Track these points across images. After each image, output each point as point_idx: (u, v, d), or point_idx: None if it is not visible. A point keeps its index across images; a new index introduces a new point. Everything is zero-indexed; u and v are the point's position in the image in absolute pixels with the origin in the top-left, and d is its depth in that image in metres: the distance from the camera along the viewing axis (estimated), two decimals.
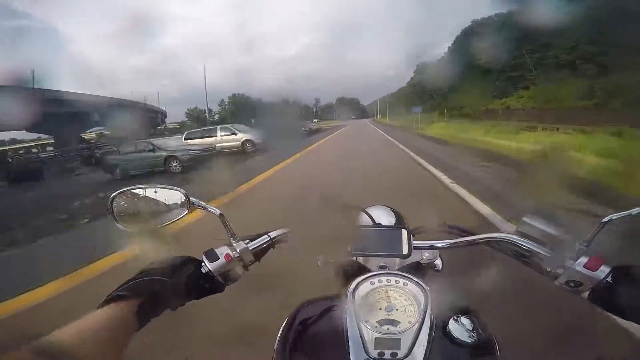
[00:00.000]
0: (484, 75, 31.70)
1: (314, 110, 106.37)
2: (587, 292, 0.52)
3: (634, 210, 0.51)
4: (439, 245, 0.66)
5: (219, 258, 0.58)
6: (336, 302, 0.59)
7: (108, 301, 0.47)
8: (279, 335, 0.65)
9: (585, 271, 0.51)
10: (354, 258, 0.67)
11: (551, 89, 24.80)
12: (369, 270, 0.63)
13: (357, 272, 0.66)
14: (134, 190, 0.62)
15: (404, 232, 0.62)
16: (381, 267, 0.64)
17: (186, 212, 0.60)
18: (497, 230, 0.65)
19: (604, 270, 0.50)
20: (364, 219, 0.75)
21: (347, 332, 0.49)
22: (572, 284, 0.52)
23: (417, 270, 0.69)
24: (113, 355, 0.44)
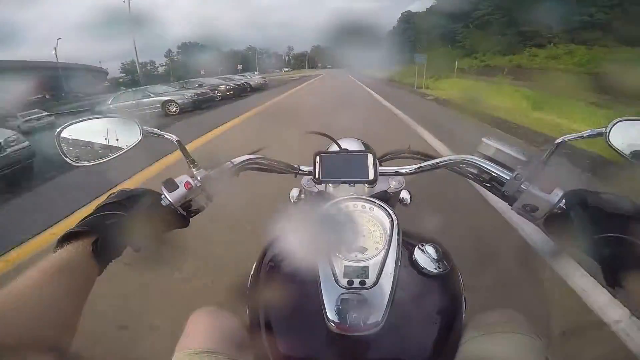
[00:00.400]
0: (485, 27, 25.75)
1: (286, 58, 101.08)
2: (542, 219, 0.52)
3: (585, 132, 0.53)
4: (404, 170, 0.66)
5: (178, 187, 0.55)
6: None
7: (62, 241, 0.44)
8: (252, 270, 0.66)
9: (540, 194, 0.51)
10: (323, 187, 0.67)
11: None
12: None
13: (327, 200, 0.66)
14: (83, 123, 0.58)
15: (370, 157, 0.61)
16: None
17: (139, 139, 0.56)
18: None
19: (557, 194, 0.51)
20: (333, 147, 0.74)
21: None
22: (529, 208, 0.53)
23: (385, 200, 0.70)
24: (76, 302, 0.41)
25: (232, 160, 0.61)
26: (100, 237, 0.45)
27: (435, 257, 0.56)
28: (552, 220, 0.51)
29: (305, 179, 0.76)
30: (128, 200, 0.51)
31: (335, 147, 0.74)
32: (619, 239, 0.43)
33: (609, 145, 0.53)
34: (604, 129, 0.53)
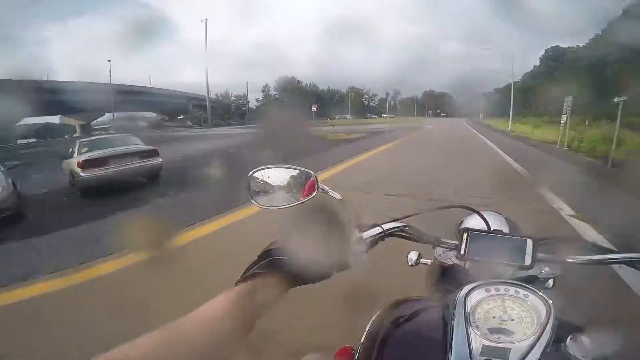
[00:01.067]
0: None
1: (391, 102, 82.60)
2: None
3: None
4: (570, 260, 0.60)
5: None
6: (433, 304, 0.59)
7: (245, 279, 0.50)
8: (366, 330, 0.67)
9: None
10: (462, 262, 0.64)
11: None
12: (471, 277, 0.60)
13: (459, 276, 0.64)
14: (272, 169, 0.67)
15: (529, 242, 0.58)
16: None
17: (314, 193, 0.64)
18: None
19: None
20: (474, 223, 0.72)
21: (451, 335, 0.48)
22: None
23: (532, 284, 0.65)
24: (241, 333, 0.46)
25: (382, 225, 0.64)
26: (276, 279, 0.51)
27: (589, 347, 0.49)
28: None
29: (440, 250, 0.73)
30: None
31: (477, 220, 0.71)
32: None
33: None
34: None
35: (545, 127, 19.38)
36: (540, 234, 0.66)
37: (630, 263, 0.56)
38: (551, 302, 0.50)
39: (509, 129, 24.94)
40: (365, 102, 79.63)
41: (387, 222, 0.66)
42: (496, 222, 0.75)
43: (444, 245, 0.68)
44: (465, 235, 0.61)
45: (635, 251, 0.55)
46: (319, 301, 2.12)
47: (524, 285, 0.53)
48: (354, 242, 0.59)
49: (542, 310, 0.49)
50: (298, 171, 0.68)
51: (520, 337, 0.46)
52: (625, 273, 2.25)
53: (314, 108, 35.79)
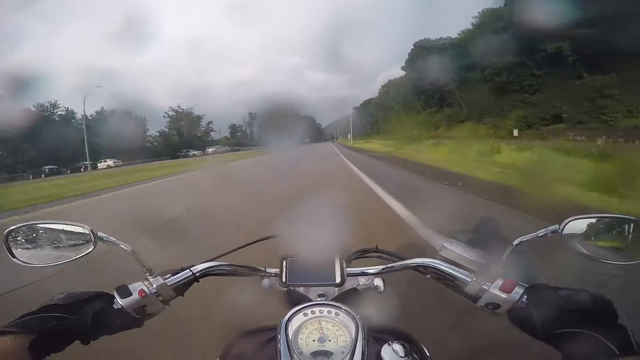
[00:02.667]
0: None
1: (246, 130, 65.40)
2: (506, 313, 0.54)
3: (540, 232, 0.56)
4: (371, 271, 0.67)
5: (131, 294, 0.55)
6: (273, 333, 0.57)
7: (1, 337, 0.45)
8: None
9: (501, 294, 0.54)
10: (292, 288, 0.67)
11: None
12: (309, 299, 0.63)
13: (296, 300, 0.66)
14: (35, 226, 0.58)
15: (337, 261, 0.63)
16: (320, 296, 0.64)
17: (92, 248, 0.56)
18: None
19: (517, 292, 0.53)
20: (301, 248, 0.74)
21: None
22: (491, 306, 0.55)
23: (357, 296, 0.69)
24: None
25: (192, 268, 0.61)
26: (36, 337, 0.46)
27: (403, 354, 0.53)
28: (516, 314, 0.53)
29: (267, 280, 0.75)
30: (75, 302, 0.51)
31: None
32: (579, 333, 0.45)
33: (564, 243, 0.56)
34: (557, 226, 0.56)
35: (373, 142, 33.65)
36: (350, 251, 0.72)
37: (414, 268, 0.65)
38: (358, 316, 0.53)
39: (351, 143, 41.61)
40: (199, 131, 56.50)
41: (200, 263, 0.63)
42: (323, 245, 0.78)
43: (268, 275, 0.68)
44: (284, 262, 0.63)
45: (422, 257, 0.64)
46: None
47: (334, 304, 0.56)
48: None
49: (352, 325, 0.52)
50: (70, 225, 0.58)
51: (338, 357, 0.49)
52: None
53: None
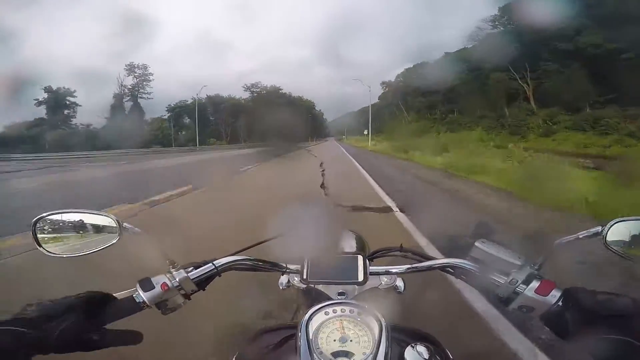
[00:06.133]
0: None
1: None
2: (539, 316, 0.52)
3: (582, 234, 0.52)
4: (395, 270, 0.65)
5: (154, 287, 0.54)
6: (292, 332, 0.56)
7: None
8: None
9: (536, 296, 0.51)
10: (312, 285, 0.65)
11: None
12: (328, 297, 0.62)
13: (315, 298, 0.64)
14: (62, 215, 0.57)
15: (360, 259, 0.61)
16: (340, 294, 0.63)
17: (118, 238, 0.56)
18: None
19: (555, 295, 0.51)
20: (323, 244, 0.73)
21: None
22: (525, 309, 0.52)
23: (376, 295, 0.68)
24: None
25: (214, 262, 0.60)
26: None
27: (427, 356, 0.52)
28: (551, 317, 0.51)
29: (286, 276, 0.75)
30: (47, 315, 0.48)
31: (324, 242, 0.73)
32: (616, 340, 0.44)
33: (606, 246, 0.52)
34: (600, 228, 0.52)
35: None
36: (373, 251, 0.70)
37: (442, 268, 0.62)
38: (382, 317, 0.51)
39: (347, 142, 39.39)
40: None
41: (223, 257, 0.62)
42: (344, 239, 0.77)
43: (289, 271, 0.67)
44: (306, 259, 0.62)
45: (450, 257, 0.62)
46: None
47: (357, 303, 0.54)
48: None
49: (375, 326, 0.51)
50: (97, 215, 0.58)
51: (359, 358, 0.47)
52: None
53: None
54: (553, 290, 0.51)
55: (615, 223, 0.52)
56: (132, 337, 0.54)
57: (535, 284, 0.52)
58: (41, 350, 0.47)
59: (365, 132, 33.23)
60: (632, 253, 0.53)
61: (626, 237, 0.53)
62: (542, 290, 0.51)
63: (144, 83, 37.88)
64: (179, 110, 41.32)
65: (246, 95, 46.15)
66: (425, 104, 34.68)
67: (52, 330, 0.47)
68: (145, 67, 37.58)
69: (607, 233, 0.52)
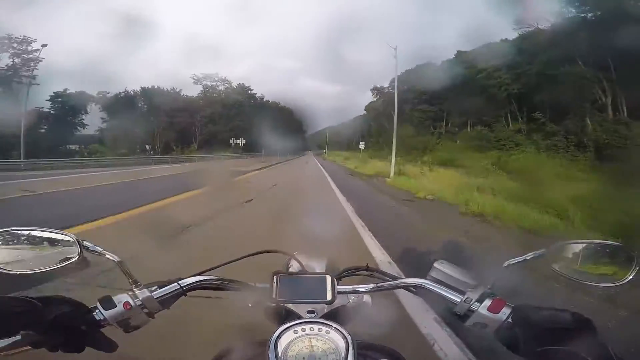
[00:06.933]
0: None
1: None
2: (494, 332, 0.56)
3: (528, 255, 0.57)
4: (361, 289, 0.67)
5: (116, 306, 0.54)
6: (261, 350, 0.56)
7: None
8: None
9: (489, 314, 0.55)
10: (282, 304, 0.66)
11: None
12: (298, 315, 0.63)
13: (286, 316, 0.65)
14: (17, 232, 0.55)
15: (328, 279, 0.62)
16: (309, 312, 0.64)
17: (76, 257, 0.54)
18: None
19: (505, 312, 0.55)
20: (293, 265, 0.75)
21: None
22: (479, 326, 0.56)
23: (344, 313, 0.69)
24: None
25: (180, 281, 0.60)
26: None
27: None
28: (502, 333, 0.55)
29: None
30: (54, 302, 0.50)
31: (294, 262, 0.75)
32: (560, 350, 0.48)
33: (551, 267, 0.58)
34: (544, 250, 0.58)
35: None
36: (342, 268, 0.72)
37: (405, 287, 0.65)
38: (349, 335, 0.53)
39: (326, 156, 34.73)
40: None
41: (188, 277, 0.61)
42: (312, 259, 0.79)
43: (257, 290, 0.67)
44: (275, 278, 0.63)
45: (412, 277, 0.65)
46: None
47: (325, 322, 0.55)
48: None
49: (342, 343, 0.52)
50: (55, 234, 0.57)
51: None
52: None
53: None
54: (504, 308, 0.55)
55: (558, 245, 0.58)
56: (108, 345, 0.54)
57: (487, 302, 0.55)
58: (38, 327, 0.47)
59: (362, 146, 23.88)
60: (572, 273, 0.58)
61: (566, 258, 0.59)
62: (494, 308, 0.55)
63: (30, 64, 24.16)
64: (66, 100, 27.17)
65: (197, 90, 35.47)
66: (429, 115, 27.47)
67: (50, 312, 0.48)
68: (28, 41, 24.47)
69: (551, 255, 0.57)
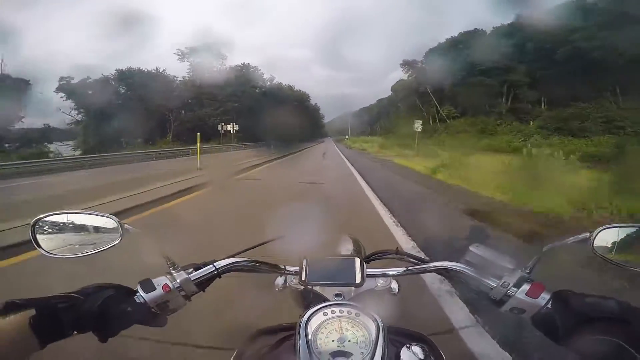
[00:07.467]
0: None
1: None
2: (530, 317, 0.54)
3: (570, 239, 0.54)
4: (391, 273, 0.66)
5: (155, 289, 0.55)
6: (290, 332, 0.57)
7: (5, 310, 0.44)
8: None
9: (527, 299, 0.53)
10: (310, 286, 0.67)
11: None
12: (325, 299, 0.63)
13: (313, 300, 0.66)
14: (62, 216, 0.57)
15: (357, 261, 0.62)
16: (337, 295, 0.64)
17: (119, 239, 0.56)
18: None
19: (544, 297, 0.53)
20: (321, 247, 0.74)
21: None
22: (516, 311, 0.54)
23: (372, 296, 0.69)
24: None
25: (215, 263, 0.60)
26: (41, 315, 0.45)
27: (422, 357, 0.54)
28: (540, 319, 0.53)
29: (283, 278, 0.76)
30: (88, 288, 0.51)
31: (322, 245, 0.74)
32: (604, 341, 0.45)
33: (594, 251, 0.55)
34: (587, 234, 0.55)
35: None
36: (369, 253, 0.71)
37: (436, 271, 0.64)
38: (379, 318, 0.53)
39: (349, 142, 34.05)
40: None
41: (222, 259, 0.62)
42: (341, 242, 0.78)
43: (289, 273, 0.68)
44: (304, 261, 0.63)
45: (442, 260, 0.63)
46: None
47: (355, 305, 0.55)
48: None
49: (372, 327, 0.52)
50: (98, 217, 0.58)
51: (357, 358, 0.48)
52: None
53: None
54: (543, 293, 0.53)
55: (602, 229, 0.55)
56: (159, 320, 0.56)
57: (525, 286, 0.53)
58: (90, 323, 0.49)
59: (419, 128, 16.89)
60: (619, 258, 0.55)
61: (613, 244, 0.55)
62: (532, 293, 0.53)
63: None
64: None
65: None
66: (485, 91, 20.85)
67: (97, 299, 0.50)
68: None
69: (594, 239, 0.54)
